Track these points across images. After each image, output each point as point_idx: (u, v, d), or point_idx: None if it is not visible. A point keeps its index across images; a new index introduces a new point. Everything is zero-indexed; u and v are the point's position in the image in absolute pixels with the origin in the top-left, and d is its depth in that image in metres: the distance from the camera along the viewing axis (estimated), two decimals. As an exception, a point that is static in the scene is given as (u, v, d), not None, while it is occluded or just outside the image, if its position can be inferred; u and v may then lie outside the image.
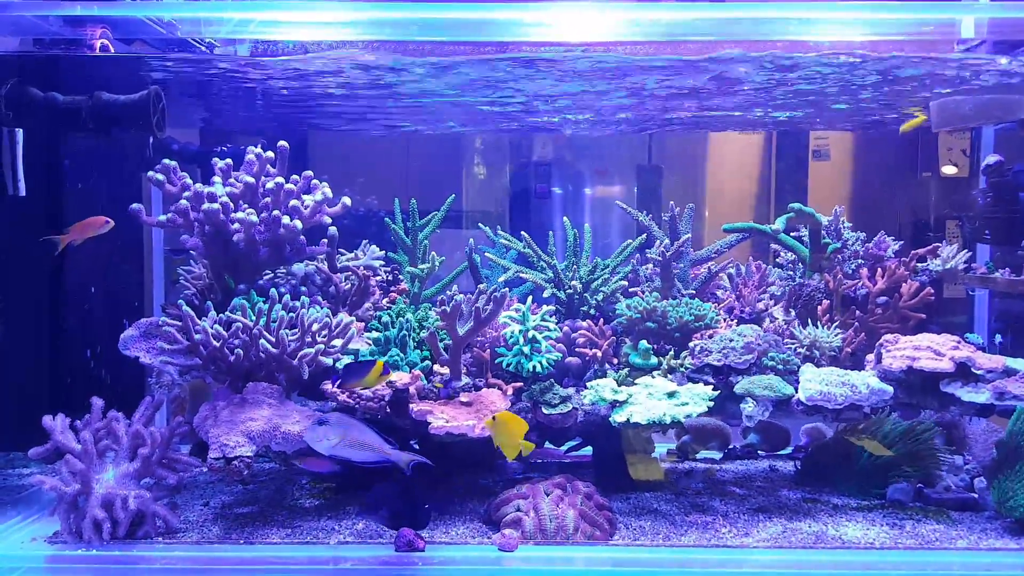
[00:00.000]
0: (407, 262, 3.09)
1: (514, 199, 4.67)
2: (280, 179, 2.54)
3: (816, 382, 2.42)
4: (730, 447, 3.02)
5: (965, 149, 3.68)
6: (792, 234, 3.09)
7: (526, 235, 3.01)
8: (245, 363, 2.35)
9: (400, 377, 2.38)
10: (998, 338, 3.22)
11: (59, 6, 2.41)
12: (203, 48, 2.76)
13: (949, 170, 3.75)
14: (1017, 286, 2.87)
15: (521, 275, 3.01)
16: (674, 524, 2.32)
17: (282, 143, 2.62)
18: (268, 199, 2.54)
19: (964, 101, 3.12)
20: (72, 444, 2.23)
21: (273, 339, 2.33)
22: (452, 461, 2.60)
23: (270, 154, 2.60)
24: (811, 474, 2.72)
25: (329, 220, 2.63)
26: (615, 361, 2.74)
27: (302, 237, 2.59)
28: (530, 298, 2.63)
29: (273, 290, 2.45)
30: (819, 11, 2.45)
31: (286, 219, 2.50)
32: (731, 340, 2.57)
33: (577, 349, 2.70)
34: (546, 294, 2.94)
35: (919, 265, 2.93)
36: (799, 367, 2.55)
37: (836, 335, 2.70)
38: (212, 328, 2.32)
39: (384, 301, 2.94)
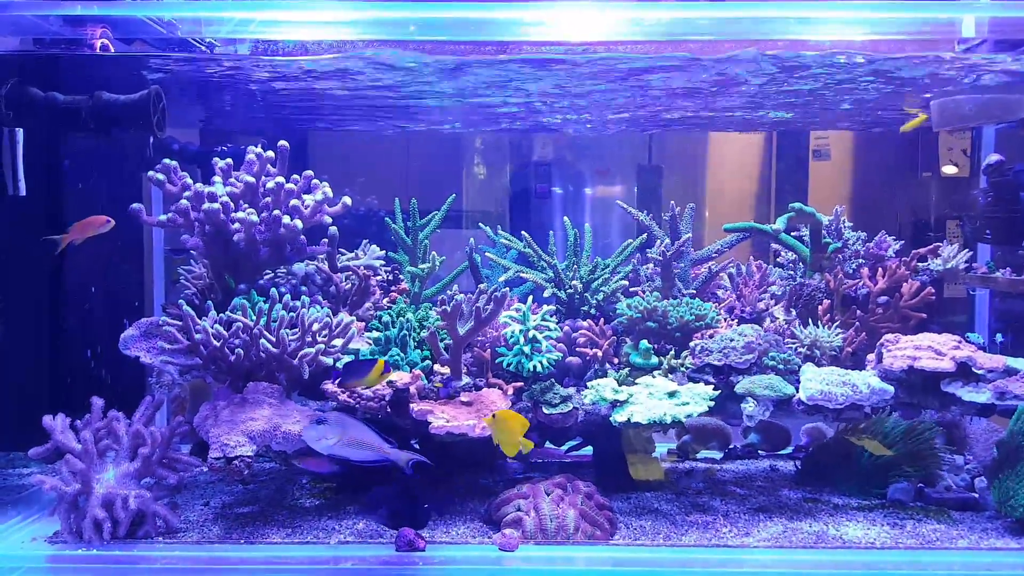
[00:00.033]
0: (407, 262, 3.09)
1: (514, 199, 4.67)
2: (280, 179, 2.54)
3: (817, 382, 2.42)
4: (731, 447, 3.02)
5: (965, 149, 3.68)
6: (793, 234, 3.09)
7: (526, 235, 3.01)
8: (245, 363, 2.34)
9: (401, 377, 2.38)
10: (999, 338, 3.22)
11: (59, 6, 2.41)
12: (203, 48, 2.76)
13: (949, 170, 3.75)
14: (1018, 286, 2.87)
15: (521, 275, 3.01)
16: (675, 524, 2.32)
17: (282, 143, 2.62)
18: (268, 199, 2.54)
19: (965, 101, 3.12)
20: (72, 444, 2.23)
21: (274, 339, 2.32)
22: (453, 461, 2.60)
23: (270, 154, 2.60)
24: (812, 474, 2.72)
25: (329, 220, 2.63)
26: (616, 361, 2.74)
27: (302, 237, 2.59)
28: (530, 298, 2.63)
29: (273, 290, 2.45)
30: (820, 10, 2.45)
31: (286, 219, 2.50)
32: (732, 340, 2.57)
33: (578, 349, 2.70)
34: (547, 294, 2.94)
35: (920, 265, 2.92)
36: (800, 367, 2.55)
37: (837, 335, 2.70)
38: (212, 328, 2.32)
39: (385, 301, 2.94)
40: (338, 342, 2.42)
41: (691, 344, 2.66)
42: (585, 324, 2.76)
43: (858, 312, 2.80)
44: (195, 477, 2.66)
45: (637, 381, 2.52)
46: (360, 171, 4.42)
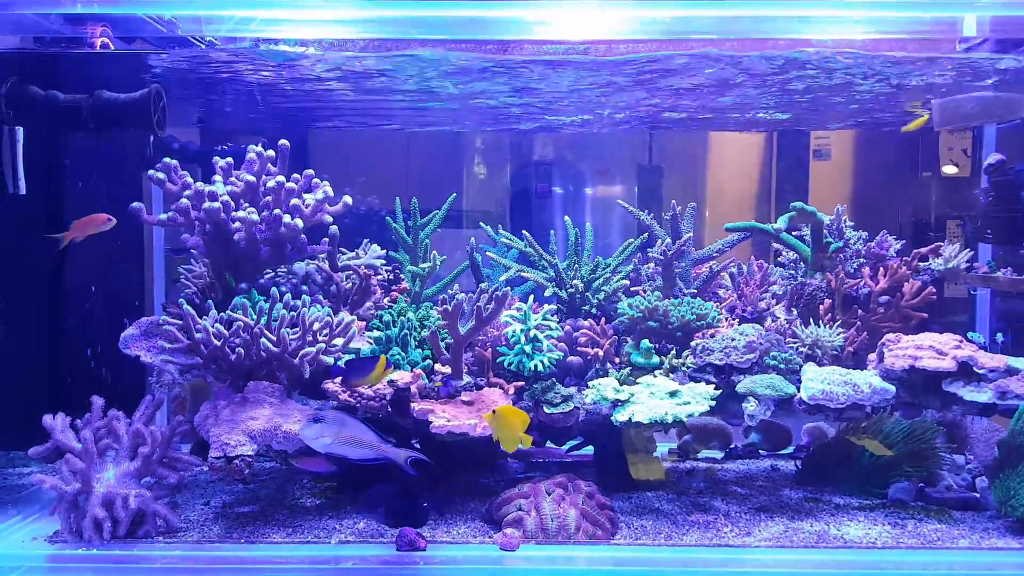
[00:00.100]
0: (408, 261, 3.09)
1: (515, 199, 4.67)
2: (281, 178, 2.54)
3: (818, 381, 2.42)
4: (732, 446, 3.01)
5: (966, 149, 3.68)
6: (794, 233, 3.09)
7: (527, 234, 3.01)
8: (246, 362, 2.34)
9: (401, 376, 2.38)
10: (999, 337, 3.21)
11: (60, 4, 2.41)
12: (203, 47, 2.76)
13: (950, 170, 3.75)
14: (1019, 285, 2.86)
15: (522, 274, 3.00)
16: (676, 523, 2.32)
17: (283, 142, 2.61)
18: (269, 198, 2.54)
19: (966, 100, 3.12)
20: (72, 443, 2.23)
21: (274, 338, 2.32)
22: (453, 460, 2.60)
23: (271, 153, 2.59)
24: (813, 473, 2.72)
25: (330, 219, 2.63)
26: (617, 360, 2.73)
27: (303, 236, 2.59)
28: (531, 297, 2.63)
29: (274, 289, 2.45)
30: (820, 9, 2.44)
31: (287, 218, 2.50)
32: (733, 339, 2.57)
33: (579, 348, 2.70)
34: (547, 293, 2.94)
35: (921, 264, 2.92)
36: (801, 366, 2.55)
37: (838, 334, 2.70)
38: (213, 327, 2.31)
39: (385, 300, 2.94)
40: (339, 341, 2.42)
41: (692, 343, 2.65)
42: (586, 323, 2.76)
43: (859, 312, 2.80)
44: (195, 476, 2.66)
45: (638, 380, 2.52)
46: (360, 170, 4.42)
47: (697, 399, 2.35)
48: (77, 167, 2.92)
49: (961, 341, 2.45)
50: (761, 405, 2.42)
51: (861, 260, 3.03)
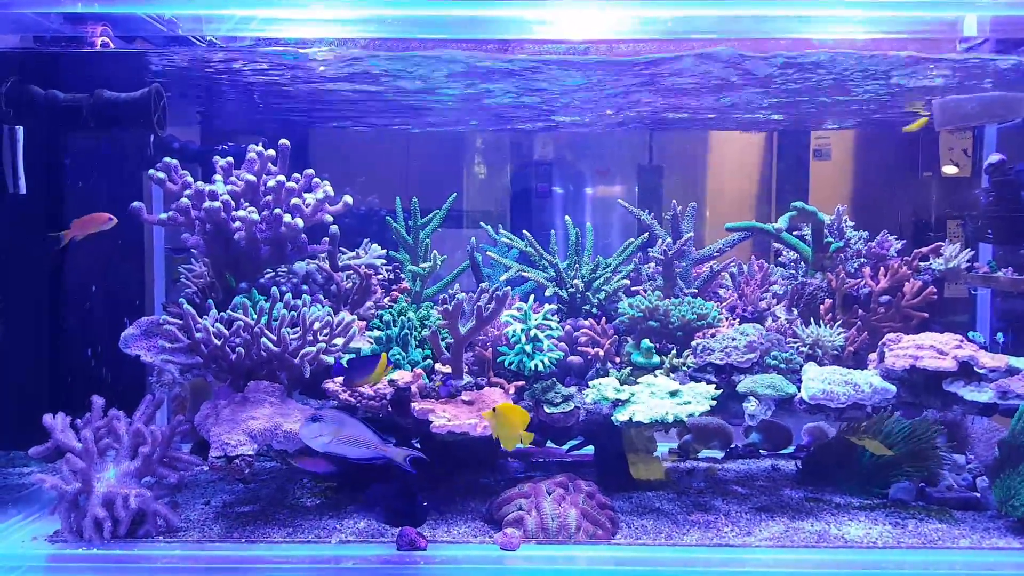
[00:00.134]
0: (409, 260, 3.09)
1: (515, 198, 4.67)
2: (281, 177, 2.54)
3: (819, 381, 2.42)
4: (732, 446, 3.01)
5: (966, 149, 3.68)
6: (794, 233, 3.09)
7: (528, 234, 3.01)
8: (246, 361, 2.34)
9: (402, 376, 2.38)
10: (1000, 337, 3.21)
11: (60, 3, 2.41)
12: (204, 47, 2.75)
13: (950, 170, 3.74)
14: (1019, 285, 2.86)
15: (523, 274, 3.00)
16: (676, 523, 2.32)
17: (283, 141, 2.61)
18: (269, 197, 2.53)
19: (966, 100, 3.12)
20: (73, 443, 2.22)
21: (275, 337, 2.32)
22: (454, 460, 2.60)
23: (271, 152, 2.59)
24: (813, 473, 2.72)
25: (330, 218, 2.63)
26: (617, 360, 2.73)
27: (303, 235, 2.59)
28: (532, 297, 2.63)
29: (274, 288, 2.45)
30: (821, 8, 2.44)
31: (287, 217, 2.50)
32: (733, 339, 2.57)
33: (579, 348, 2.69)
34: (548, 293, 2.94)
35: (921, 264, 2.92)
36: (802, 366, 2.55)
37: (839, 334, 2.70)
38: (213, 326, 2.31)
39: (386, 300, 2.94)
40: (339, 341, 2.42)
41: (693, 343, 2.65)
42: (587, 323, 2.76)
43: (860, 311, 2.80)
44: (196, 476, 2.65)
45: (639, 380, 2.52)
46: (361, 170, 4.42)
47: (698, 399, 2.35)
48: (77, 166, 2.92)
49: (962, 341, 2.45)
50: (762, 405, 2.42)
51: (862, 260, 3.03)
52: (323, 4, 2.42)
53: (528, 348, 2.52)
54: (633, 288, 3.04)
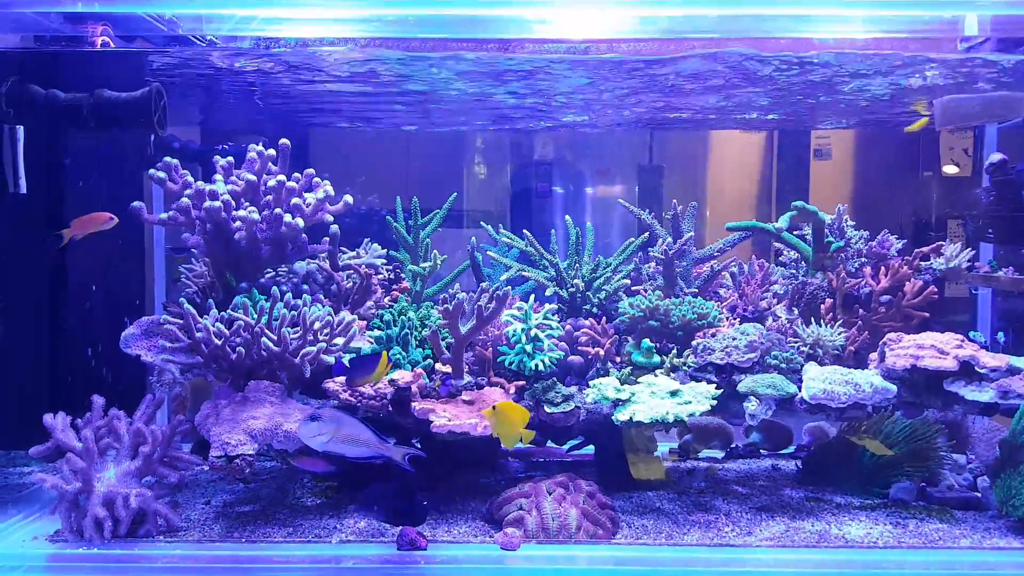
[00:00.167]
0: (409, 260, 3.09)
1: (515, 198, 4.67)
2: (282, 177, 2.54)
3: (820, 380, 2.42)
4: (732, 446, 3.01)
5: (967, 148, 3.68)
6: (795, 232, 3.09)
7: (528, 233, 3.01)
8: (247, 361, 2.34)
9: (402, 375, 2.38)
10: (1000, 337, 3.21)
11: (60, 3, 2.41)
12: (204, 46, 2.75)
13: (950, 170, 3.74)
14: (1020, 285, 2.86)
15: (523, 273, 3.00)
16: (677, 523, 2.31)
17: (284, 141, 2.61)
18: (270, 197, 2.53)
19: (967, 99, 3.12)
20: (73, 442, 2.22)
21: (275, 337, 2.32)
22: (454, 460, 2.60)
23: (272, 152, 2.59)
24: (814, 473, 2.72)
25: (331, 218, 2.62)
26: (618, 359, 2.73)
27: (304, 235, 2.59)
28: (532, 296, 2.63)
29: (275, 288, 2.45)
30: (822, 8, 2.44)
31: (288, 217, 2.50)
32: (734, 339, 2.57)
33: (579, 347, 2.69)
34: (548, 292, 2.94)
35: (922, 264, 2.92)
36: (802, 366, 2.54)
37: (839, 333, 2.70)
38: (214, 326, 2.31)
39: (386, 299, 2.93)
40: (340, 340, 2.42)
41: (693, 343, 2.65)
42: (587, 323, 2.75)
43: (860, 311, 2.80)
44: (196, 476, 2.65)
45: (639, 380, 2.52)
46: (361, 170, 4.42)
47: (698, 398, 2.35)
48: (77, 166, 2.92)
49: (963, 341, 2.45)
50: (762, 404, 2.42)
51: (862, 259, 3.03)
52: (324, 4, 2.42)
53: (528, 348, 2.52)
54: (633, 288, 3.04)
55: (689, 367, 2.61)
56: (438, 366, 2.53)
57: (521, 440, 2.14)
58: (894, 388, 2.40)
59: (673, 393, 2.39)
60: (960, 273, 2.92)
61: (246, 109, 3.66)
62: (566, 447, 2.87)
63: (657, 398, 2.38)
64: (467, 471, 2.68)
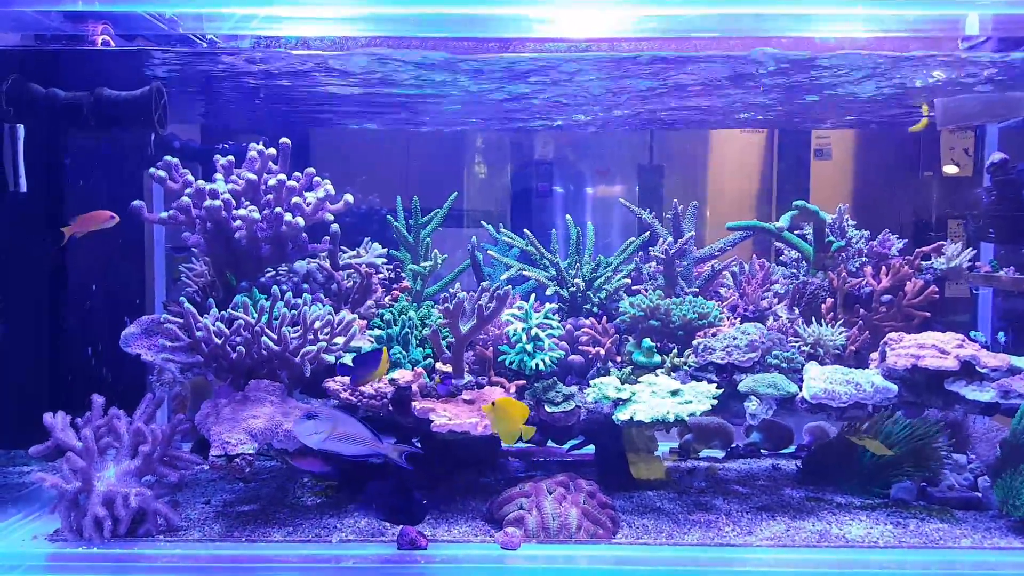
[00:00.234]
0: (409, 259, 3.08)
1: (515, 198, 4.67)
2: (282, 176, 2.53)
3: (820, 380, 2.41)
4: (733, 446, 3.01)
5: (967, 148, 3.68)
6: (796, 232, 3.08)
7: (529, 233, 3.00)
8: (247, 360, 2.34)
9: (403, 375, 2.38)
10: (1001, 336, 3.21)
11: (60, 1, 2.40)
12: (204, 45, 2.75)
13: (951, 169, 3.74)
14: (1021, 285, 2.86)
15: (524, 273, 3.00)
16: (677, 523, 2.31)
17: (284, 140, 2.61)
18: (270, 196, 2.53)
19: (969, 99, 3.11)
20: (73, 441, 2.22)
21: (275, 336, 2.32)
22: (454, 459, 2.60)
23: (272, 151, 2.59)
24: (814, 473, 2.71)
25: (331, 217, 2.62)
26: (618, 359, 2.73)
27: (304, 234, 2.59)
28: (533, 296, 2.63)
29: (275, 287, 2.44)
30: (822, 7, 2.44)
31: (288, 216, 2.49)
32: (735, 338, 2.56)
33: (580, 347, 2.69)
34: (549, 292, 2.94)
35: (923, 264, 2.92)
36: (803, 365, 2.54)
37: (840, 333, 2.69)
38: (214, 325, 2.31)
39: (387, 299, 2.93)
40: (340, 340, 2.42)
41: (694, 342, 2.65)
42: (588, 322, 2.75)
43: (861, 311, 2.80)
44: (196, 475, 2.65)
45: (640, 379, 2.51)
46: (361, 169, 4.42)
47: (699, 398, 2.35)
48: (78, 165, 2.91)
49: (963, 340, 2.45)
50: (763, 404, 2.42)
51: (863, 259, 3.03)
52: (324, 3, 2.42)
53: (529, 347, 2.52)
54: (634, 287, 3.03)
55: (690, 367, 2.61)
56: (439, 365, 2.53)
57: (521, 437, 2.14)
58: (895, 388, 2.40)
59: (674, 393, 2.39)
60: (961, 273, 2.91)
61: (246, 108, 3.66)
62: (566, 447, 2.86)
63: (658, 398, 2.37)
64: (467, 470, 2.68)
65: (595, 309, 2.89)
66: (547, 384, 2.51)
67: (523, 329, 2.53)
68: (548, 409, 2.46)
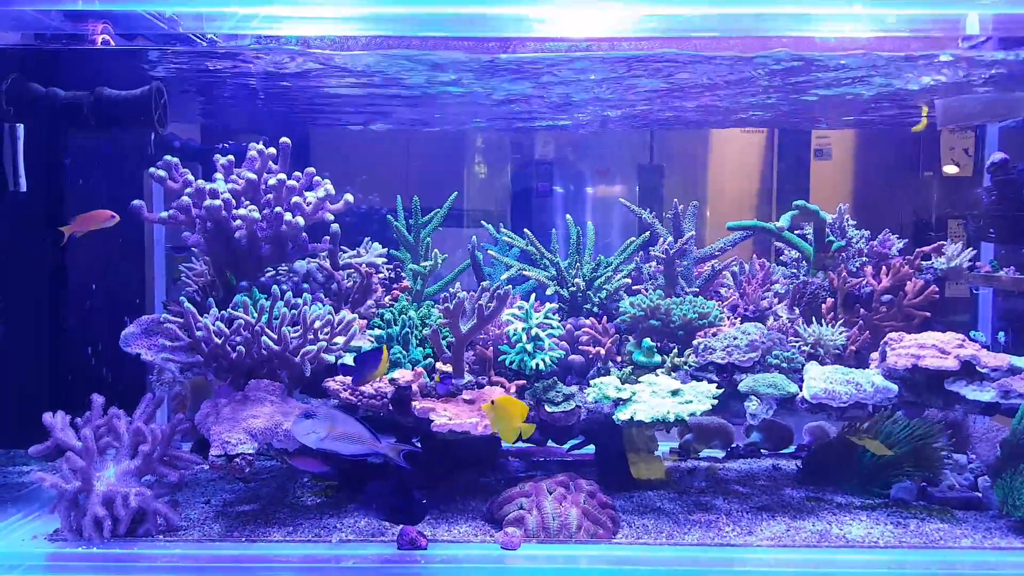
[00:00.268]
0: (409, 259, 3.08)
1: (515, 198, 4.67)
2: (282, 175, 2.53)
3: (820, 380, 2.41)
4: (733, 446, 3.01)
5: (967, 148, 3.68)
6: (796, 232, 3.08)
7: (529, 232, 3.00)
8: (247, 360, 2.34)
9: (403, 374, 2.37)
10: (1001, 336, 3.21)
11: (61, 1, 2.40)
12: (204, 45, 2.75)
13: (951, 169, 3.74)
14: (1021, 285, 2.86)
15: (524, 273, 3.00)
16: (677, 523, 2.31)
17: (284, 139, 2.61)
18: (270, 195, 2.53)
19: (969, 99, 3.11)
20: (73, 441, 2.22)
21: (275, 336, 2.31)
22: (454, 459, 2.60)
23: (272, 150, 2.59)
24: (814, 473, 2.71)
25: (331, 217, 2.62)
26: (618, 359, 2.72)
27: (304, 234, 2.58)
28: (533, 295, 2.62)
29: (275, 287, 2.44)
30: (823, 7, 2.43)
31: (288, 216, 2.49)
32: (735, 338, 2.56)
33: (580, 347, 2.69)
34: (549, 292, 2.93)
35: (923, 263, 2.92)
36: (803, 365, 2.54)
37: (840, 333, 2.69)
38: (214, 325, 2.31)
39: (387, 298, 2.93)
40: (340, 339, 2.41)
41: (694, 342, 2.65)
42: (588, 322, 2.75)
43: (862, 310, 2.80)
44: (196, 475, 2.65)
45: (640, 379, 2.51)
46: (362, 169, 4.42)
47: (699, 398, 2.35)
48: (78, 165, 2.91)
49: (964, 340, 2.45)
50: (763, 404, 2.41)
51: (863, 259, 3.03)
52: (324, 2, 2.42)
53: (529, 347, 2.51)
54: (634, 287, 3.03)
55: (690, 366, 2.61)
56: (439, 365, 2.53)
57: (521, 434, 2.14)
58: (895, 388, 2.40)
59: (674, 392, 2.39)
60: (961, 273, 2.91)
61: (247, 108, 3.66)
62: (567, 446, 2.86)
63: (658, 397, 2.37)
64: (467, 470, 2.68)
65: (595, 309, 2.89)
66: (547, 384, 2.51)
67: (523, 329, 2.53)
68: (548, 409, 2.46)
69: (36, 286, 2.91)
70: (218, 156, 2.60)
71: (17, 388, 2.90)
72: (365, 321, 2.65)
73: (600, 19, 2.51)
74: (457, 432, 2.22)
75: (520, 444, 2.72)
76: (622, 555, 2.13)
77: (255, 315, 2.34)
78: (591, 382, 2.51)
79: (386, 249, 2.97)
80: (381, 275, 3.04)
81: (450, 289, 3.04)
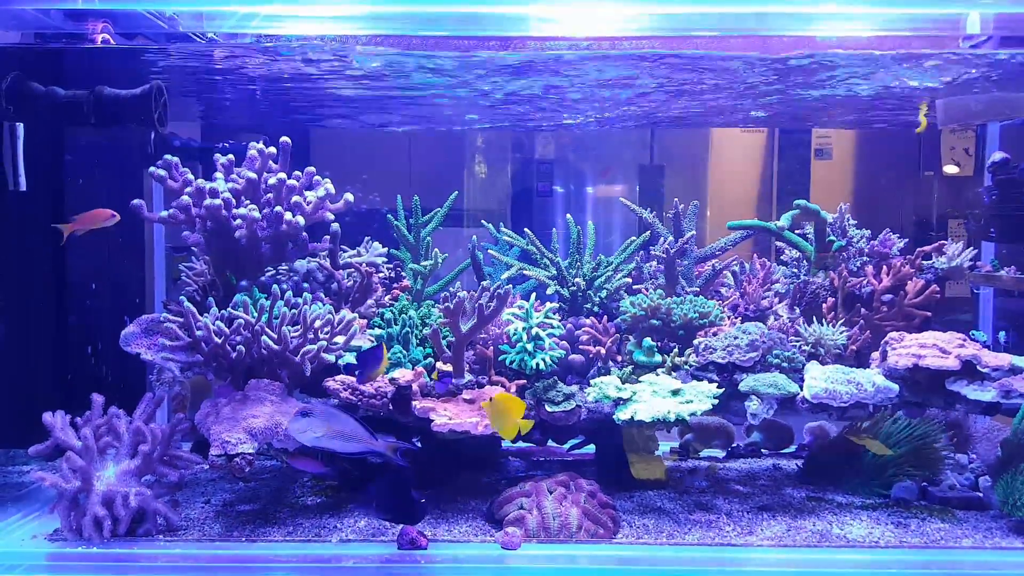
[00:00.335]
0: (410, 259, 3.08)
1: (516, 198, 4.67)
2: (282, 175, 2.53)
3: (821, 380, 2.41)
4: (733, 445, 3.01)
5: (968, 148, 3.67)
6: (797, 231, 3.08)
7: (529, 232, 3.00)
8: (247, 360, 2.33)
9: (403, 374, 2.37)
10: (1002, 336, 3.21)
11: (61, 0, 2.40)
12: (205, 44, 2.75)
13: (951, 169, 3.74)
14: (1022, 284, 2.86)
15: (524, 272, 3.00)
16: (678, 522, 2.31)
17: (284, 139, 2.60)
18: (270, 195, 2.53)
19: (970, 99, 3.11)
20: (73, 441, 2.22)
21: (275, 335, 2.31)
22: (455, 459, 2.59)
23: (272, 150, 2.58)
24: (815, 473, 2.71)
25: (331, 216, 2.62)
26: (619, 358, 2.72)
27: (304, 233, 2.58)
28: (533, 295, 2.62)
29: (275, 286, 2.44)
30: (824, 6, 2.43)
31: (288, 215, 2.49)
32: (736, 338, 2.56)
33: (581, 346, 2.69)
34: (549, 291, 2.93)
35: (924, 263, 2.91)
36: (804, 365, 2.54)
37: (841, 333, 2.69)
38: (214, 325, 2.31)
39: (387, 298, 2.93)
40: (340, 339, 2.41)
41: (695, 342, 2.64)
42: (588, 322, 2.75)
43: (862, 310, 2.79)
44: (196, 475, 2.65)
45: (641, 379, 2.51)
46: (362, 168, 4.42)
47: (699, 397, 2.34)
48: (78, 164, 2.91)
49: (964, 340, 2.44)
50: (764, 404, 2.41)
51: (864, 258, 3.02)
52: (324, 1, 2.42)
53: (529, 347, 2.51)
54: (635, 287, 3.03)
55: (690, 366, 2.60)
56: (439, 365, 2.52)
57: (520, 431, 2.14)
58: (896, 387, 2.39)
59: (674, 392, 2.38)
60: (962, 272, 2.91)
61: (246, 107, 3.66)
62: (567, 446, 2.86)
63: (658, 397, 2.37)
64: (468, 470, 2.68)
65: (596, 308, 2.89)
66: (548, 383, 2.51)
67: (523, 328, 2.52)
68: (549, 408, 2.45)
69: (36, 286, 2.90)
70: (218, 155, 2.60)
71: (17, 388, 2.90)
72: (365, 320, 2.65)
73: (600, 19, 2.50)
74: (457, 432, 2.22)
75: (520, 444, 2.73)
76: (623, 555, 2.12)
77: (255, 314, 2.33)
78: (591, 382, 2.50)
79: (386, 248, 2.97)
80: (381, 274, 3.04)
81: (450, 289, 3.04)
